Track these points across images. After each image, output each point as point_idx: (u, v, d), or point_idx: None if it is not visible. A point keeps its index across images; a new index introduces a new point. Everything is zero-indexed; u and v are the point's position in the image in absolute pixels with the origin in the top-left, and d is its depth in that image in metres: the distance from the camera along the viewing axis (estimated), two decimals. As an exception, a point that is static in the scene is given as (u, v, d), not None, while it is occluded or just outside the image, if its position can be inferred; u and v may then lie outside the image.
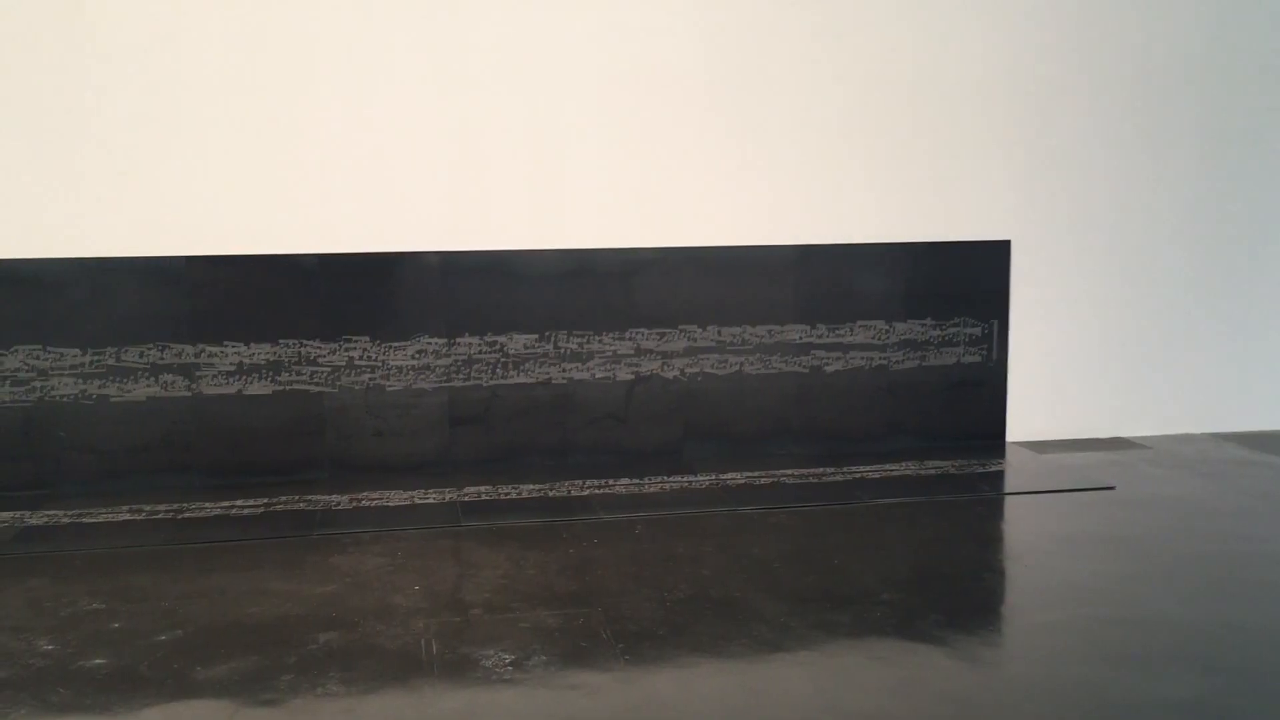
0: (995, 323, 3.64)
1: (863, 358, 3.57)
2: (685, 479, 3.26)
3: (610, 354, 3.42)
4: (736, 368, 3.49)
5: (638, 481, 3.23)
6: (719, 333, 3.47)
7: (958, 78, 3.54)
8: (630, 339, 3.42)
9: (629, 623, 2.22)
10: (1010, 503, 3.10)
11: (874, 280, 3.56)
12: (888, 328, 3.58)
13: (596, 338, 3.40)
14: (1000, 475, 3.35)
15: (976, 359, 3.65)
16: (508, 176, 3.31)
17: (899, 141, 3.53)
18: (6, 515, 2.93)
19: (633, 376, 3.44)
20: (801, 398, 3.55)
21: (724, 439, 3.52)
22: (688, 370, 3.47)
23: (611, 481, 3.23)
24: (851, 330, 3.55)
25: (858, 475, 3.29)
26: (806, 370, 3.54)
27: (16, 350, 3.09)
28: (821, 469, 3.35)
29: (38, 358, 3.10)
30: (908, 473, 3.32)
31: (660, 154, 3.38)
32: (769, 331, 3.50)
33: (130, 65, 3.08)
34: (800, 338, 3.52)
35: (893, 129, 3.53)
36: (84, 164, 3.08)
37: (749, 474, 3.30)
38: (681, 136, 3.40)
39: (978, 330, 3.63)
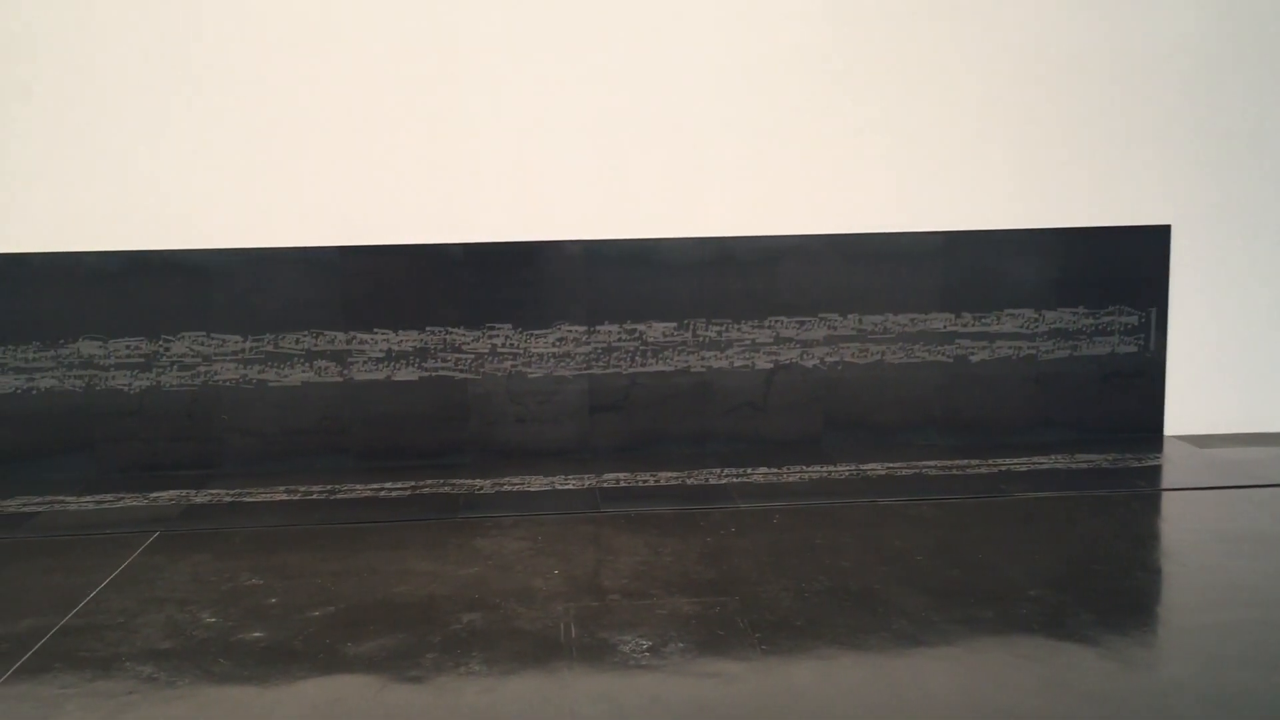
0: (1153, 311, 3.49)
1: (1010, 347, 3.46)
2: (824, 469, 3.22)
3: (749, 342, 3.40)
4: (878, 357, 3.43)
5: (776, 471, 3.21)
6: (860, 321, 3.42)
7: (1110, 54, 3.39)
8: (769, 327, 3.40)
9: (766, 612, 2.21)
10: (1168, 499, 2.97)
11: (1022, 267, 3.45)
12: (1037, 316, 3.46)
13: (735, 326, 3.39)
14: (1157, 470, 3.21)
15: (1132, 349, 3.50)
16: (649, 165, 3.32)
17: (1050, 123, 3.41)
18: (173, 494, 3.09)
19: (772, 365, 3.42)
20: (945, 388, 3.46)
21: (864, 429, 3.46)
22: (827, 359, 3.42)
23: (749, 470, 3.21)
24: (998, 319, 3.45)
25: (1004, 468, 3.20)
26: (950, 360, 3.45)
27: (183, 337, 3.25)
28: (966, 461, 3.27)
29: (202, 344, 3.26)
30: (1057, 466, 3.21)
31: (801, 141, 3.34)
32: (911, 320, 3.43)
33: (287, 64, 3.20)
34: (944, 326, 3.44)
35: (1043, 110, 3.40)
36: (244, 161, 3.21)
37: (890, 465, 3.24)
38: (822, 123, 3.35)
39: (1134, 319, 3.49)
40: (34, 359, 3.22)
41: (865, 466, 3.23)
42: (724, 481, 3.12)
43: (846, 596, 2.29)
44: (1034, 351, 3.47)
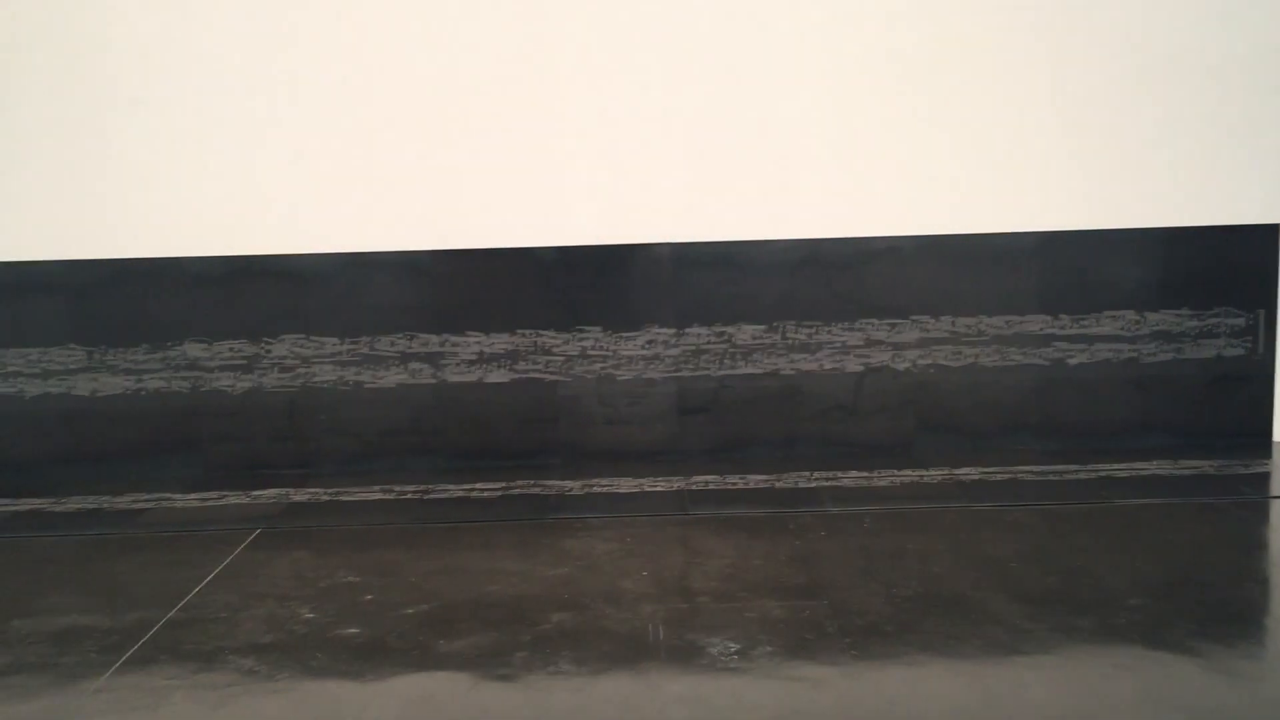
0: (1261, 313, 3.37)
1: (1110, 350, 3.38)
2: (916, 473, 3.18)
3: (839, 345, 3.37)
4: (972, 359, 3.38)
5: (866, 474, 3.18)
6: (953, 323, 3.37)
7: (1212, 48, 3.29)
8: (860, 329, 3.37)
9: (856, 617, 2.19)
10: (1277, 506, 2.86)
11: (1123, 268, 3.36)
12: (1138, 318, 3.37)
13: (825, 328, 3.37)
14: (1266, 477, 3.10)
15: (1239, 352, 3.38)
16: (738, 168, 3.31)
17: (1152, 120, 3.32)
18: (274, 492, 3.18)
19: (862, 368, 3.39)
20: (1042, 391, 3.39)
21: (958, 433, 3.41)
22: (920, 362, 3.38)
23: (840, 474, 3.19)
24: (1098, 321, 3.37)
25: (1103, 473, 3.12)
26: (1048, 363, 3.38)
27: (283, 339, 3.34)
28: (1063, 466, 3.20)
29: (301, 346, 3.35)
30: (1159, 472, 3.12)
31: (891, 141, 3.31)
32: (1007, 322, 3.37)
33: (380, 71, 3.26)
34: (1041, 329, 3.37)
35: (1145, 107, 3.31)
36: (341, 167, 3.29)
37: (984, 469, 3.19)
38: (914, 122, 3.31)
39: (1241, 321, 3.37)
40: (143, 361, 3.34)
41: (959, 471, 3.18)
42: (814, 485, 3.10)
43: (938, 603, 2.25)
44: (1135, 354, 3.38)
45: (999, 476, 3.12)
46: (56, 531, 2.90)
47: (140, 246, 3.31)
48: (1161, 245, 3.35)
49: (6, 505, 3.12)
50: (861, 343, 3.38)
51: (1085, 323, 3.37)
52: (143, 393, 3.35)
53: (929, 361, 3.38)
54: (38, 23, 3.22)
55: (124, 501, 3.12)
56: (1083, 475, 3.11)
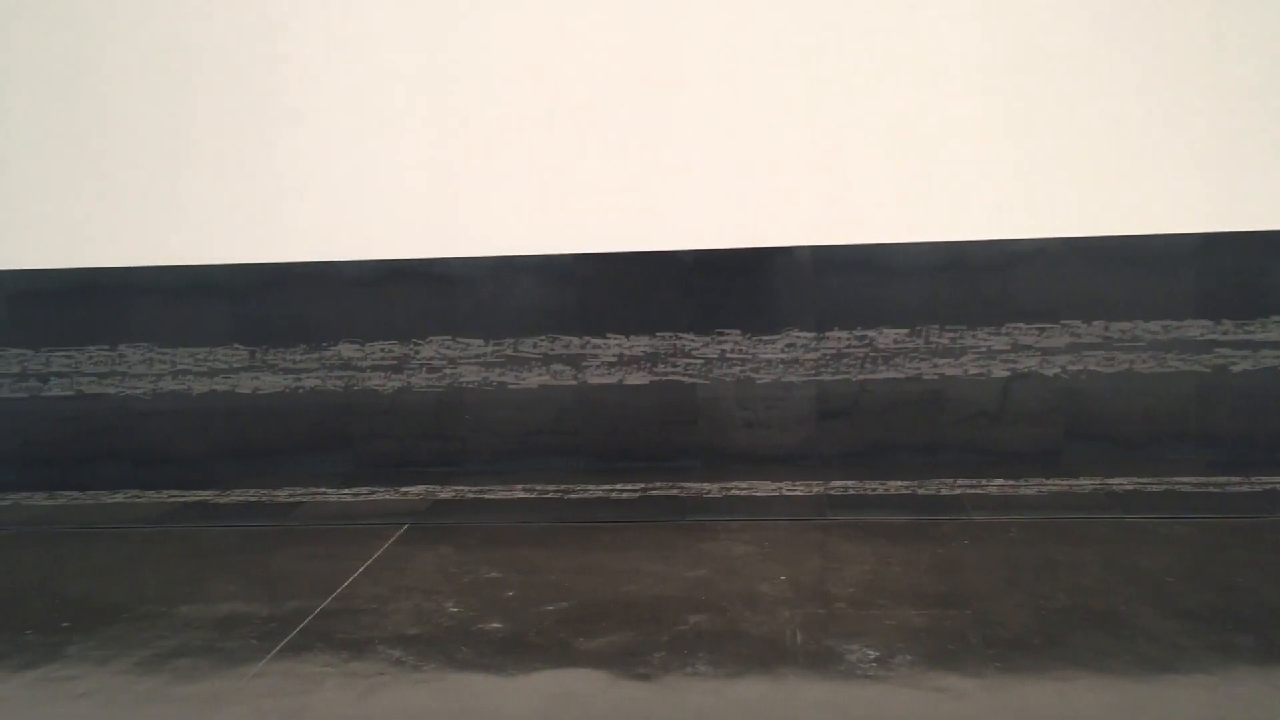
0: None
1: (1277, 357, 3.21)
2: (1065, 482, 3.08)
3: (985, 349, 3.29)
4: (1126, 366, 3.25)
5: (1012, 483, 3.09)
6: (1106, 328, 3.25)
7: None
8: (1006, 334, 3.28)
9: (1000, 628, 2.14)
10: None
11: (1292, 270, 3.19)
12: (1308, 323, 3.19)
13: (970, 333, 3.29)
14: None
15: None
16: (880, 169, 3.27)
17: (1325, 114, 3.14)
18: (421, 489, 3.28)
19: (1009, 373, 3.30)
20: (1202, 399, 3.24)
21: (1110, 441, 3.29)
22: (1070, 368, 3.27)
23: (984, 481, 3.11)
24: (1264, 326, 3.20)
25: (1268, 486, 2.97)
26: (1208, 370, 3.23)
27: (431, 340, 3.45)
28: (1225, 478, 3.05)
29: (448, 347, 3.44)
30: (1331, 486, 2.95)
31: (1039, 141, 3.21)
32: (1164, 327, 3.23)
33: (524, 82, 3.33)
34: (1201, 334, 3.22)
35: (1318, 100, 3.14)
36: (487, 174, 3.37)
37: (1138, 480, 3.07)
38: (1063, 121, 3.20)
39: None
40: (300, 361, 3.49)
41: (1111, 481, 3.07)
42: (957, 492, 3.03)
43: (1088, 616, 2.18)
44: (1304, 361, 3.20)
45: (1154, 487, 3.00)
46: (220, 522, 3.05)
47: (299, 251, 3.46)
48: (1335, 246, 3.16)
49: (175, 497, 3.30)
50: (1008, 347, 3.29)
51: (1250, 328, 3.21)
52: (300, 391, 3.50)
53: (1080, 367, 3.27)
54: (207, 44, 3.39)
55: (282, 495, 3.27)
56: (1245, 488, 2.96)
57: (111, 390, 3.55)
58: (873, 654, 2.05)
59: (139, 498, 3.32)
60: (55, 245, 3.50)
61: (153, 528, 3.03)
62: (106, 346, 3.53)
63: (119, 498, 3.33)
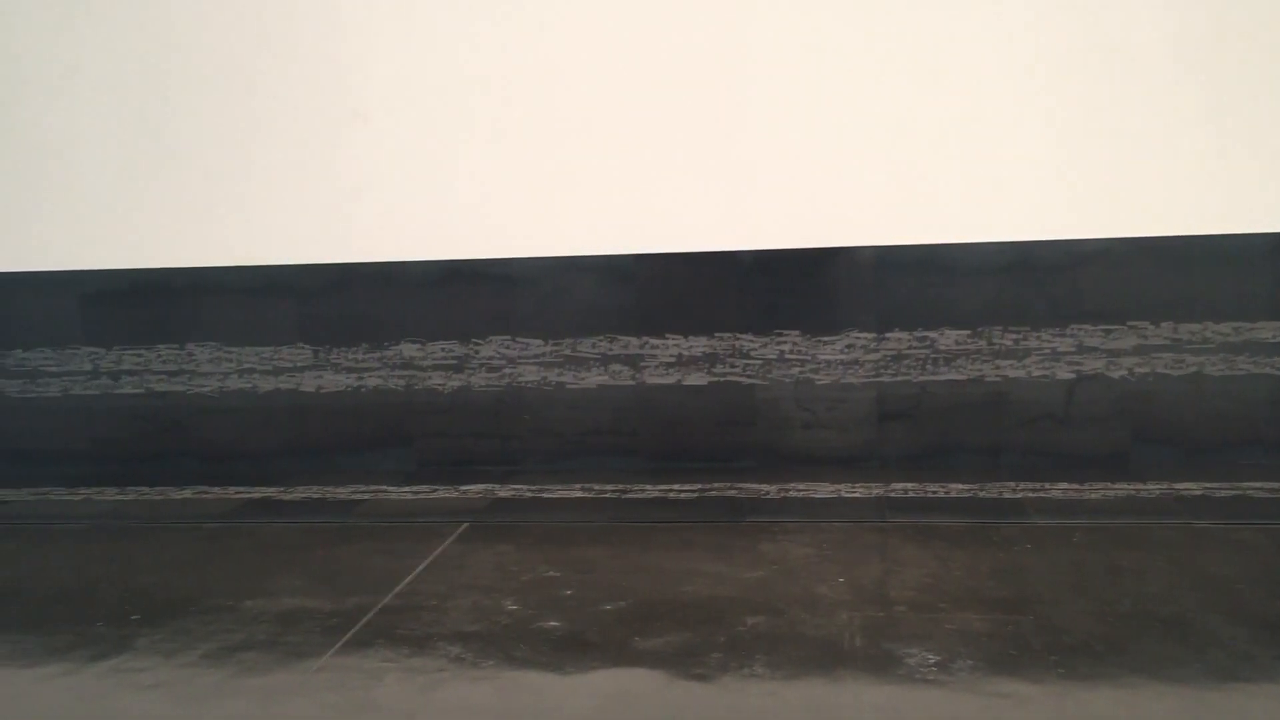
0: None
1: (1353, 359, 3.13)
2: (1132, 486, 3.02)
3: (1049, 351, 3.24)
4: (1195, 368, 3.19)
5: (1077, 487, 3.04)
6: (1175, 330, 3.18)
7: None
8: (1072, 335, 3.23)
9: (1063, 634, 2.11)
10: None
11: (1370, 270, 3.10)
12: (1387, 325, 3.11)
13: (1034, 334, 3.24)
14: None
15: None
16: (942, 168, 3.23)
17: (1406, 109, 3.05)
18: (480, 488, 3.31)
19: (1074, 375, 3.25)
20: (1274, 403, 3.17)
21: (1178, 445, 3.22)
22: (1137, 370, 3.21)
23: (1048, 485, 3.07)
24: (1340, 328, 3.13)
25: (1344, 493, 2.89)
26: (1281, 372, 3.16)
27: (491, 340, 3.47)
28: (1298, 483, 2.98)
29: (508, 347, 3.47)
30: None
31: (1104, 138, 3.15)
32: (1235, 329, 3.16)
33: (588, 79, 3.34)
34: (1274, 336, 3.15)
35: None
36: (546, 175, 3.39)
37: (1207, 485, 3.00)
38: (1128, 118, 3.14)
39: None
40: (362, 360, 3.54)
41: (1179, 485, 3.01)
42: (1019, 496, 2.99)
43: (1154, 623, 2.14)
44: (1383, 364, 3.12)
45: (1224, 492, 2.94)
46: (284, 518, 3.10)
47: (362, 251, 3.50)
48: None
49: (241, 493, 3.37)
50: (1073, 349, 3.24)
51: (1325, 330, 3.13)
52: (362, 390, 3.54)
53: (1147, 370, 3.21)
54: (275, 47, 3.45)
55: (344, 492, 3.31)
56: (1320, 494, 2.89)
57: (180, 388, 3.62)
58: (933, 658, 2.03)
59: (206, 494, 3.39)
60: (127, 246, 3.58)
61: (219, 523, 3.09)
62: (175, 345, 3.61)
63: (187, 493, 3.40)
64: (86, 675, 2.14)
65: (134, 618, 2.40)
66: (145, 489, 3.46)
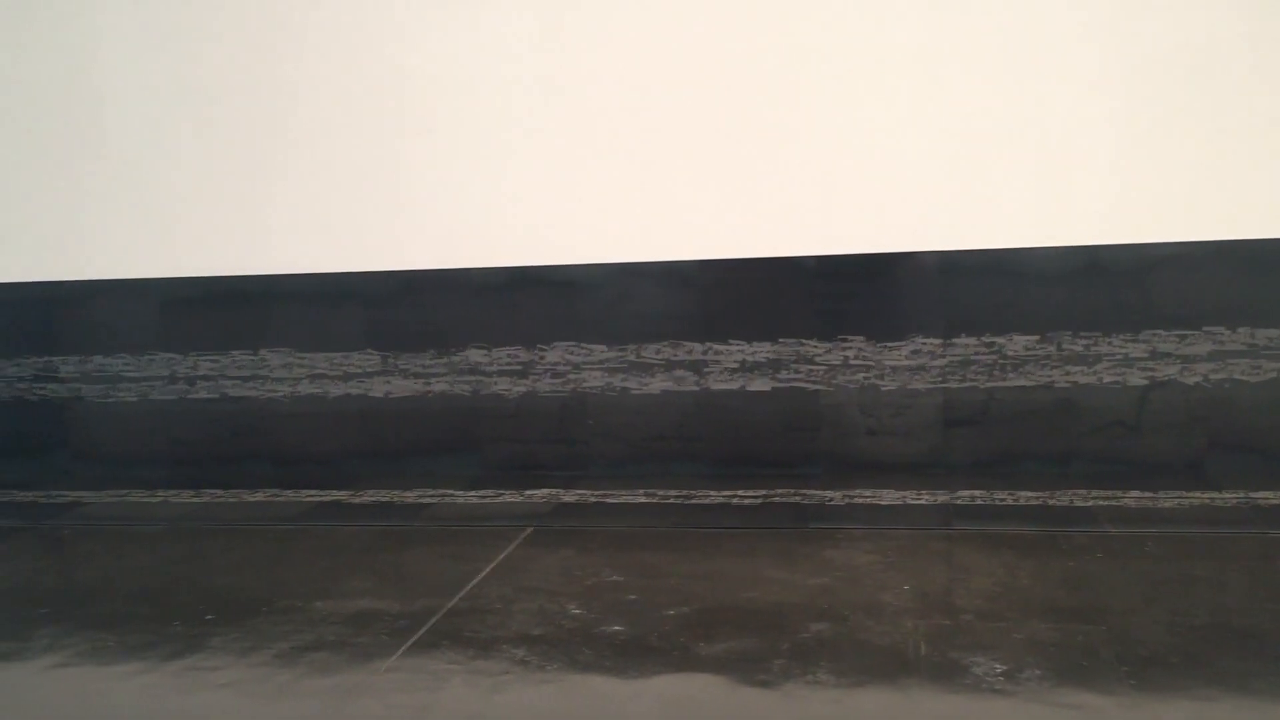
0: None
1: None
2: (1207, 495, 2.96)
3: (1120, 357, 3.19)
4: (1273, 374, 3.11)
5: (1150, 495, 2.99)
6: (1252, 335, 3.11)
7: None
8: (1144, 341, 3.17)
9: (1136, 645, 2.07)
10: None
11: None
12: None
13: (1105, 339, 3.19)
14: None
15: None
16: (1009, 170, 3.20)
17: None
18: (545, 492, 3.33)
19: (1147, 382, 3.18)
20: (1357, 410, 3.08)
21: (1256, 454, 3.14)
22: (1213, 376, 3.14)
23: (1119, 494, 3.01)
24: None
25: None
26: (1364, 378, 3.07)
27: (556, 346, 3.50)
28: (1382, 493, 2.90)
29: (573, 353, 3.49)
30: None
31: (1177, 139, 3.09)
32: (1315, 334, 3.08)
33: (654, 87, 3.36)
34: (1356, 341, 3.06)
35: None
36: (609, 181, 3.41)
37: (1287, 494, 2.93)
38: (1201, 118, 3.08)
39: None
40: (429, 365, 3.58)
41: (1256, 495, 2.94)
42: (1090, 504, 2.94)
43: (1230, 635, 2.09)
44: None
45: (1304, 502, 2.87)
46: (353, 521, 3.15)
47: (429, 258, 3.55)
48: None
49: (312, 496, 3.43)
50: (1145, 355, 3.18)
51: None
52: (429, 395, 3.59)
53: (1223, 376, 3.14)
54: (344, 59, 3.51)
55: (412, 496, 3.36)
56: (1406, 504, 2.81)
57: (253, 393, 3.70)
58: (1000, 667, 2.01)
59: (278, 496, 3.46)
60: (202, 255, 3.67)
61: (290, 525, 3.15)
62: (249, 351, 3.69)
63: (259, 496, 3.47)
64: (163, 673, 2.19)
65: (208, 617, 2.46)
66: (220, 491, 3.54)
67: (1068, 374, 3.22)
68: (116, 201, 3.71)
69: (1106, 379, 3.20)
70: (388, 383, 3.62)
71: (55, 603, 2.63)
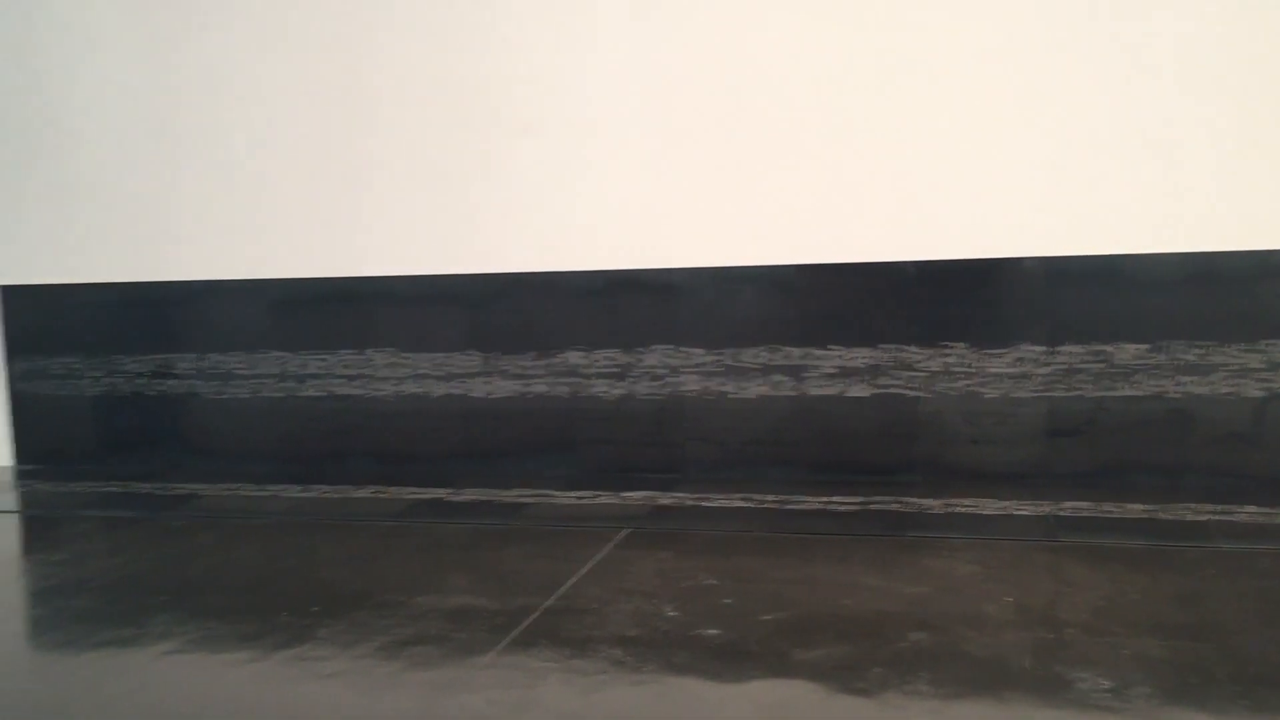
0: None
1: None
2: (1328, 512, 2.85)
3: (1236, 367, 3.08)
4: (1401, 387, 2.98)
5: (1267, 510, 2.88)
6: (1378, 345, 2.99)
7: None
8: (1262, 351, 3.06)
9: (1249, 664, 2.00)
10: None
11: None
12: None
13: (1220, 349, 3.09)
14: None
15: None
16: (1119, 173, 3.12)
17: None
18: (642, 494, 3.35)
19: (1265, 393, 3.07)
20: None
21: (1382, 469, 3.02)
22: (1335, 388, 3.02)
23: (1234, 508, 2.91)
24: None
25: None
26: None
27: (654, 349, 3.52)
28: None
29: (670, 356, 3.51)
30: None
31: (1305, 142, 2.99)
32: None
33: (752, 90, 3.36)
34: None
35: None
36: (709, 185, 3.41)
37: None
38: (1334, 120, 2.97)
39: None
40: (529, 367, 3.63)
41: (1381, 512, 2.82)
42: (1203, 518, 2.85)
43: (1352, 658, 2.01)
44: None
45: None
46: (454, 519, 3.21)
47: (529, 262, 3.60)
48: None
49: (413, 494, 3.50)
50: (1263, 365, 3.07)
51: None
52: (529, 396, 3.64)
53: (1346, 388, 3.02)
54: (454, 67, 3.58)
55: (510, 495, 3.40)
56: None
57: (359, 392, 3.79)
58: (1106, 683, 1.96)
59: (381, 493, 3.53)
60: (313, 256, 3.78)
61: (393, 522, 3.22)
62: (356, 351, 3.78)
63: (364, 493, 3.55)
64: (272, 662, 2.26)
65: (314, 609, 2.53)
66: (325, 487, 3.63)
67: (1179, 384, 3.12)
68: (229, 204, 3.83)
69: (1222, 390, 3.10)
70: (488, 383, 3.68)
71: (170, 591, 2.72)
